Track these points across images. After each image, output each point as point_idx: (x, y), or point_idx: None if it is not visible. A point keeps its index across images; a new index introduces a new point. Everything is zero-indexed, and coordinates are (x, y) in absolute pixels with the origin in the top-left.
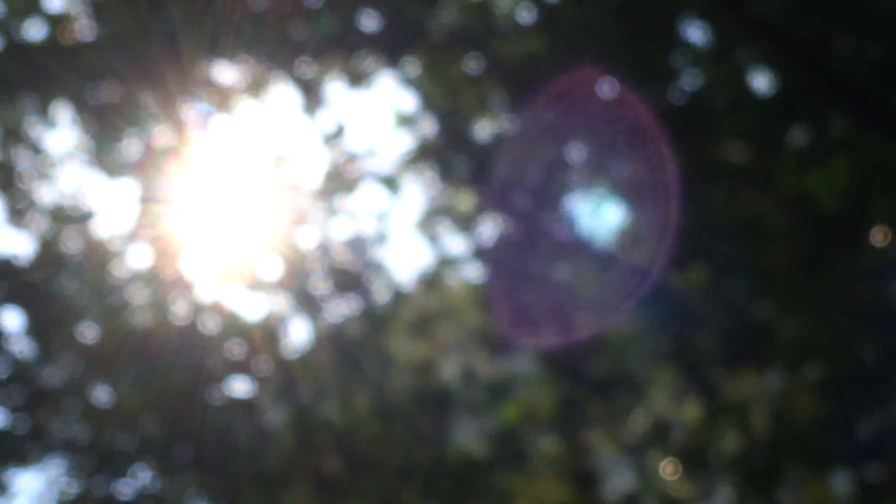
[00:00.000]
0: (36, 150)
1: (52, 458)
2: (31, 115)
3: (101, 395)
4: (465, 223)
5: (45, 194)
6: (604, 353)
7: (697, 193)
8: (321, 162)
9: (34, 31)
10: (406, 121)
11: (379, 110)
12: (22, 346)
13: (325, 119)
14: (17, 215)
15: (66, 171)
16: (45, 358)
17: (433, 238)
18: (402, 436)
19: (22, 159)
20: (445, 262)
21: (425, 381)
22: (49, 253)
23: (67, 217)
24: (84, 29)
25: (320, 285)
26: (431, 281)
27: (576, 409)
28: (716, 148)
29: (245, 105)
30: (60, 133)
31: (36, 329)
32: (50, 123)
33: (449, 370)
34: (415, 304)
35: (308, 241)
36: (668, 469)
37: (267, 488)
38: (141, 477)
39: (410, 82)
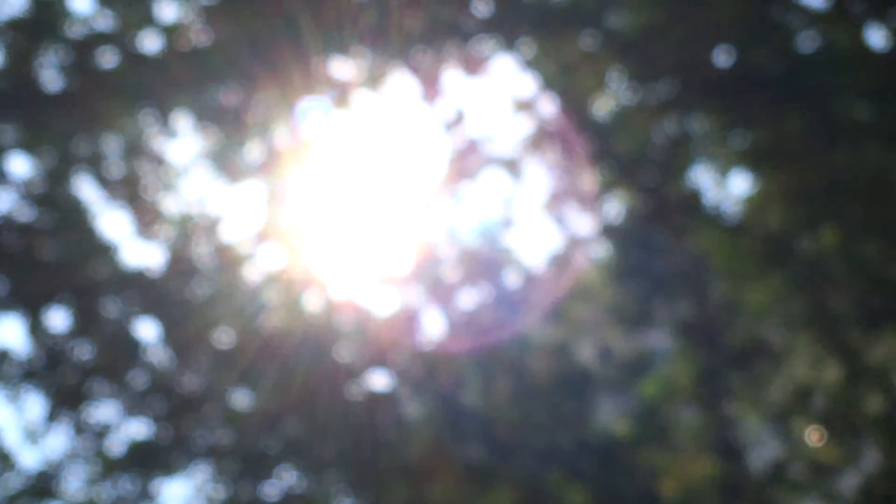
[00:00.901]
0: (159, 160)
1: (197, 465)
2: (151, 127)
3: (241, 398)
4: (591, 201)
5: (172, 204)
6: (740, 321)
7: (824, 154)
8: (444, 151)
9: (150, 42)
10: (525, 103)
11: (497, 94)
12: (160, 356)
13: (445, 107)
14: (146, 227)
15: (191, 180)
16: (184, 366)
17: (560, 219)
18: (543, 419)
19: (146, 171)
20: (574, 242)
21: (563, 363)
22: (180, 262)
23: (195, 225)
24: (198, 35)
25: (451, 274)
26: (562, 262)
27: (716, 380)
28: (840, 107)
29: (364, 99)
30: (182, 142)
31: (172, 338)
32: (171, 133)
33: (585, 350)
34: (547, 286)
35: (436, 230)
36: (813, 435)
37: (411, 480)
38: (286, 477)
39: (527, 64)
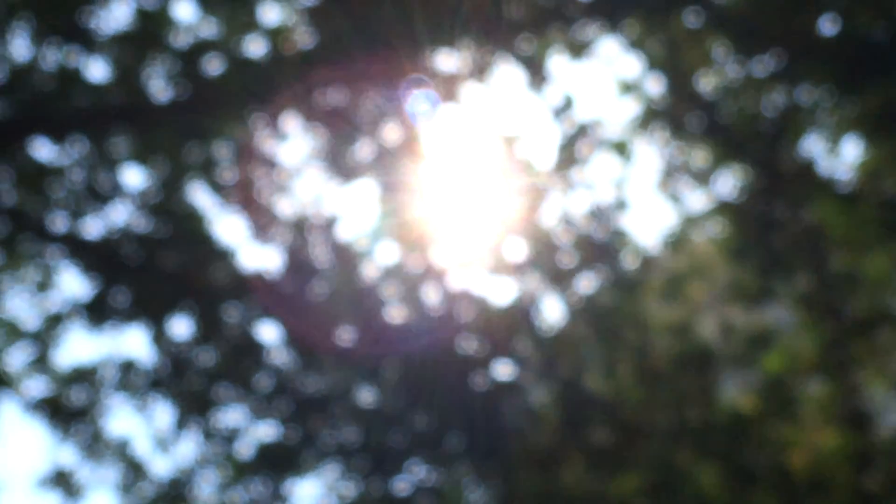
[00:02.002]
0: (271, 163)
1: (326, 464)
2: (261, 130)
3: (366, 395)
4: (704, 178)
5: (286, 206)
6: (861, 291)
7: None
8: (553, 136)
9: (255, 46)
10: (631, 84)
11: (603, 77)
12: (283, 358)
13: (552, 93)
14: (262, 230)
15: (304, 180)
16: (308, 366)
17: (674, 197)
18: (668, 399)
19: (258, 175)
20: (690, 220)
21: (684, 342)
22: (298, 262)
23: (311, 225)
24: (303, 37)
25: (568, 259)
26: (678, 240)
27: (840, 351)
28: None
29: (471, 90)
30: (293, 143)
31: (295, 339)
32: (281, 135)
33: (707, 328)
34: (664, 265)
35: (550, 217)
36: None
37: (540, 467)
38: (416, 472)
39: (632, 45)
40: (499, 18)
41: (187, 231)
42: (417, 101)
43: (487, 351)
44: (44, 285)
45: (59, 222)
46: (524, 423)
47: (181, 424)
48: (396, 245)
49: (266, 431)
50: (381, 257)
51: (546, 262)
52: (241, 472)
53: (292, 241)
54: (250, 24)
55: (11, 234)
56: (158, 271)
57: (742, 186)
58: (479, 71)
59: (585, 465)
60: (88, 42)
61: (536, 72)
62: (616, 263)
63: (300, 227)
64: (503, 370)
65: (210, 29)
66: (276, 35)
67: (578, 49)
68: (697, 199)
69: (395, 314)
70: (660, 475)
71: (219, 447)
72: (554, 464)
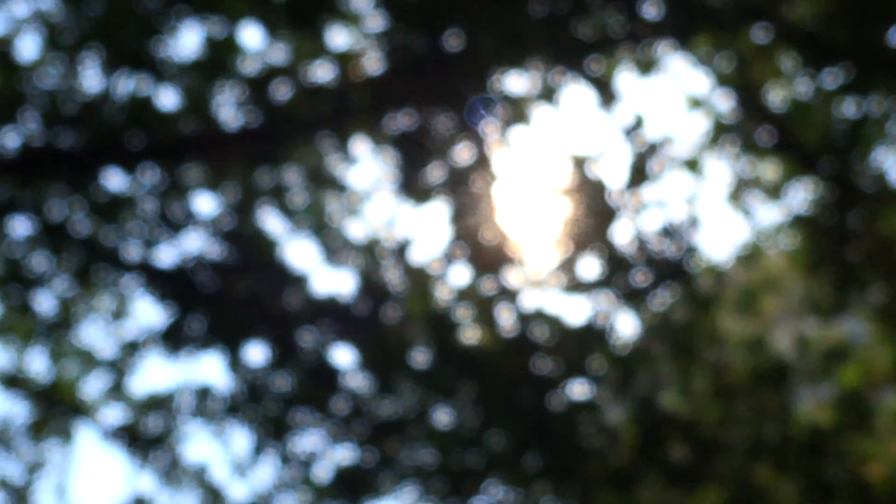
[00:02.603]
0: (341, 187)
1: (404, 486)
2: (331, 154)
3: (442, 417)
4: (775, 192)
5: (358, 229)
6: None
7: None
8: (624, 155)
9: (324, 71)
10: (700, 100)
11: (672, 94)
12: (359, 381)
13: (622, 112)
14: (334, 254)
15: (375, 204)
16: (383, 388)
17: (745, 212)
18: (745, 414)
19: (329, 199)
20: (762, 234)
21: (760, 357)
22: (371, 286)
23: (383, 248)
24: (373, 62)
25: (641, 277)
26: (750, 255)
27: None
28: None
29: (541, 110)
30: (363, 167)
31: (370, 362)
32: (351, 159)
33: (781, 342)
34: (737, 280)
35: (623, 235)
36: None
37: (618, 486)
38: (494, 492)
39: (700, 62)
40: (568, 39)
41: (260, 257)
42: (486, 121)
43: (562, 370)
44: (119, 314)
45: (133, 251)
46: (601, 442)
47: (258, 450)
48: (469, 266)
49: (343, 455)
50: (455, 279)
51: (619, 280)
52: (318, 495)
53: (365, 265)
54: (319, 50)
55: (86, 263)
56: (233, 298)
57: (814, 199)
58: (548, 91)
59: (664, 483)
60: (158, 71)
61: (606, 91)
62: (689, 280)
63: (372, 250)
64: (578, 389)
65: (279, 55)
66: (345, 60)
67: (647, 67)
68: (769, 213)
69: (470, 335)
70: (737, 492)
71: (296, 471)
72: (631, 482)
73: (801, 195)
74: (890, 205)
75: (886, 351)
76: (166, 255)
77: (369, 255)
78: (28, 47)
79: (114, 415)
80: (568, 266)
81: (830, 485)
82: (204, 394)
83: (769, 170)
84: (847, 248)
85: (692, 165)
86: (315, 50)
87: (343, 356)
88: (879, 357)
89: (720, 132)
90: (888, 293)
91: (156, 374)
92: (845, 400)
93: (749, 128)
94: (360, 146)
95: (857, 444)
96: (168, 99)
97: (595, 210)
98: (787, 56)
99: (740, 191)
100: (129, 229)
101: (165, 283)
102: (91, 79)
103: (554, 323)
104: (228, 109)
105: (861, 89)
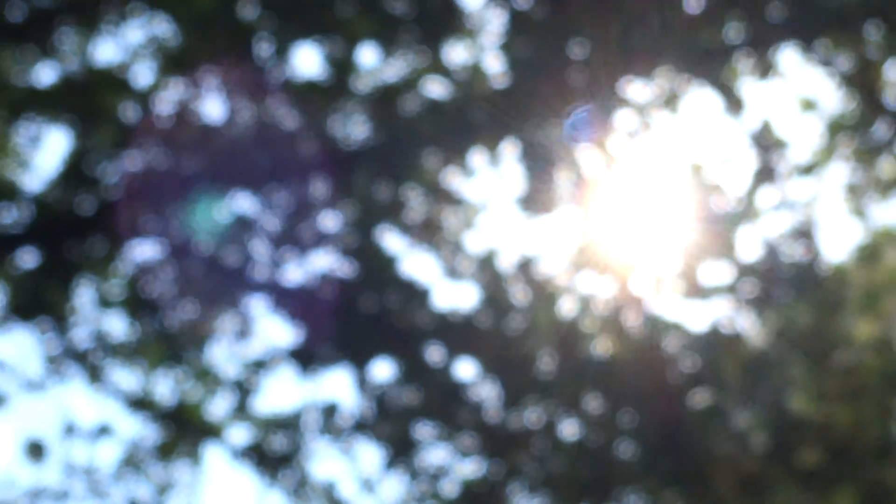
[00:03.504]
0: (460, 201)
1: (533, 498)
2: (452, 169)
3: (570, 427)
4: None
5: (479, 242)
6: None
7: None
8: (748, 160)
9: (445, 87)
10: (821, 102)
11: (792, 96)
12: (484, 394)
13: (748, 118)
14: (455, 268)
15: (498, 216)
16: (509, 401)
17: (864, 212)
18: (874, 416)
19: (448, 213)
20: (883, 233)
21: (886, 358)
22: (494, 299)
23: (506, 260)
24: (498, 77)
25: (767, 281)
26: (871, 254)
27: None
28: None
29: (664, 118)
30: (487, 181)
31: (495, 375)
32: (473, 173)
33: None
34: (858, 280)
35: (747, 239)
36: None
37: (749, 492)
38: (625, 501)
39: (823, 63)
40: (693, 45)
41: (383, 273)
42: (585, 134)
43: (691, 377)
44: (244, 333)
45: (260, 270)
46: (731, 447)
47: (386, 465)
48: (595, 276)
49: (470, 468)
50: (581, 289)
51: (745, 285)
52: None
53: (487, 277)
54: (440, 66)
55: (214, 284)
56: (359, 315)
57: None
58: (672, 98)
59: (796, 487)
60: (280, 92)
61: (731, 97)
62: (815, 282)
63: (494, 262)
64: (707, 396)
65: (400, 71)
66: (468, 74)
67: (769, 70)
68: (889, 212)
69: (599, 345)
70: (869, 494)
71: (425, 486)
72: (763, 488)
73: None
74: None
75: None
76: (293, 274)
77: (491, 268)
78: (145, 72)
79: (241, 434)
80: (694, 272)
81: None
82: (331, 411)
83: (887, 168)
84: None
85: (813, 168)
86: (437, 65)
87: (468, 369)
88: None
89: (839, 132)
90: None
91: (283, 392)
92: None
93: (867, 126)
94: (484, 160)
95: None
96: (290, 120)
97: (720, 215)
98: None
99: (859, 190)
100: (256, 249)
101: (292, 302)
102: (211, 102)
103: (681, 330)
104: (349, 127)
105: None
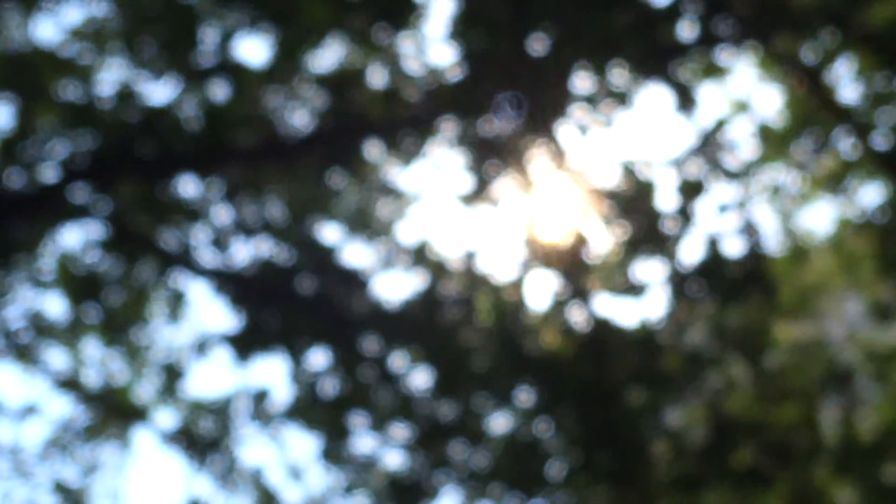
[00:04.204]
0: (404, 193)
1: (460, 490)
2: (399, 159)
3: (502, 421)
4: (836, 191)
5: (419, 234)
6: None
7: None
8: (699, 159)
9: (397, 77)
10: (769, 104)
11: (743, 98)
12: (417, 385)
13: (699, 116)
14: (394, 259)
15: (434, 208)
16: (442, 393)
17: (798, 214)
18: (803, 417)
19: (389, 204)
20: (819, 236)
21: (818, 359)
22: (431, 291)
23: (444, 253)
24: (453, 70)
25: (704, 280)
26: (805, 256)
27: None
28: None
29: (616, 114)
30: (434, 172)
31: (429, 366)
32: (421, 164)
33: (845, 345)
34: (792, 282)
35: (689, 239)
36: None
37: (682, 490)
38: (554, 496)
39: (778, 64)
40: (649, 43)
41: (323, 262)
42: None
43: (627, 374)
44: (177, 316)
45: (205, 256)
46: (666, 445)
47: (315, 453)
48: (534, 269)
49: (399, 458)
50: (520, 281)
51: (684, 283)
52: (374, 498)
53: (424, 269)
54: (395, 56)
55: (160, 268)
56: (297, 302)
57: (887, 201)
58: (623, 94)
59: (727, 487)
60: (230, 78)
61: (685, 96)
62: (753, 282)
63: (428, 253)
64: (643, 393)
65: (352, 61)
66: (423, 66)
67: (720, 71)
68: (829, 213)
69: (538, 339)
70: (798, 494)
71: (352, 475)
72: (696, 486)
73: (872, 196)
74: None
75: None
76: (237, 260)
77: (428, 259)
78: (92, 54)
79: (170, 418)
80: (632, 269)
81: (890, 487)
82: (262, 397)
83: (833, 169)
84: None
85: (755, 168)
86: (391, 56)
87: (402, 360)
88: None
89: (784, 133)
90: None
91: (216, 377)
92: None
93: (822, 128)
94: (434, 151)
95: None
96: (240, 106)
97: (661, 213)
98: (864, 57)
99: (797, 192)
100: (197, 234)
101: (234, 287)
102: (164, 87)
103: (619, 327)
104: (297, 116)
105: None
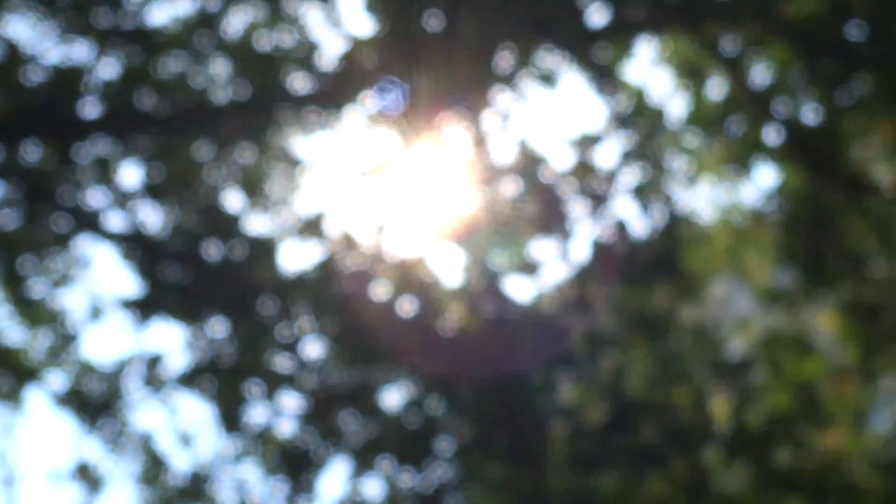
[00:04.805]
0: (300, 163)
1: (352, 460)
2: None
3: (398, 395)
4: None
5: (320, 206)
6: None
7: None
8: (615, 145)
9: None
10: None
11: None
12: (315, 354)
13: (617, 101)
14: (296, 230)
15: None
16: (338, 362)
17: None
18: (697, 402)
19: (291, 175)
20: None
21: (710, 346)
22: (331, 262)
23: (344, 226)
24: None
25: (605, 260)
26: (701, 240)
27: (879, 357)
28: None
29: (538, 94)
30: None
31: (327, 336)
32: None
33: (735, 332)
34: (693, 261)
35: (610, 227)
36: None
37: (578, 469)
38: (442, 471)
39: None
40: (572, 25)
41: (229, 230)
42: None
43: (530, 351)
44: (71, 278)
45: (113, 220)
46: (562, 424)
47: (208, 421)
48: (440, 245)
49: (292, 427)
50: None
51: (588, 264)
52: (265, 467)
53: (324, 242)
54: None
55: (69, 230)
56: (200, 268)
57: (791, 189)
58: (548, 76)
59: (622, 468)
60: (150, 44)
61: (606, 79)
62: (657, 264)
63: (320, 226)
64: (542, 371)
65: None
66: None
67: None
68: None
69: (440, 314)
70: (690, 478)
71: (245, 443)
72: (592, 465)
73: (777, 183)
74: (861, 200)
75: (850, 345)
76: (145, 225)
77: (331, 232)
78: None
79: (63, 380)
80: (534, 249)
81: (782, 474)
82: (155, 362)
83: (733, 154)
84: (820, 241)
85: (668, 153)
86: (301, 26)
87: (302, 328)
88: (843, 351)
89: (706, 119)
90: (855, 288)
91: (116, 340)
92: (803, 391)
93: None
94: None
95: (812, 436)
96: (159, 71)
97: (567, 193)
98: (781, 49)
99: (698, 176)
100: (105, 197)
101: (134, 251)
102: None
103: (522, 306)
104: (220, 84)
105: (845, 84)
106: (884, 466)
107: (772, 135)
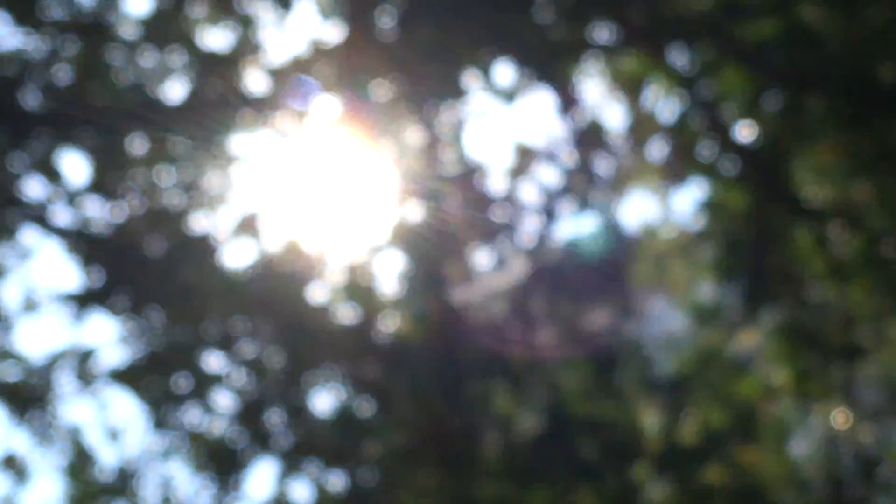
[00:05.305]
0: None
1: (279, 462)
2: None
3: (329, 398)
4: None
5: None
6: (839, 319)
7: None
8: (569, 159)
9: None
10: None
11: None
12: (246, 354)
13: (578, 117)
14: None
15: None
16: (265, 363)
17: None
18: (633, 418)
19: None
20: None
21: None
22: (267, 261)
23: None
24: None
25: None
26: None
27: (815, 379)
28: None
29: (492, 106)
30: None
31: (257, 336)
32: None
33: (666, 348)
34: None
35: (559, 244)
36: None
37: (510, 481)
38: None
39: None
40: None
41: (170, 227)
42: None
43: (471, 362)
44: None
45: (60, 215)
46: (497, 435)
47: (138, 417)
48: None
49: (221, 427)
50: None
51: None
52: (192, 466)
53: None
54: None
55: (13, 223)
56: (140, 264)
57: (734, 207)
58: (510, 91)
59: (556, 480)
60: (107, 38)
61: (566, 95)
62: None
63: (256, 225)
64: (482, 381)
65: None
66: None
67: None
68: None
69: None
70: (619, 493)
71: (174, 440)
72: (524, 477)
73: (710, 199)
74: (802, 220)
75: (787, 367)
76: (90, 221)
77: (259, 231)
78: None
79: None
80: (478, 258)
81: (702, 488)
82: (91, 356)
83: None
84: (760, 260)
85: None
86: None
87: (236, 328)
88: (781, 372)
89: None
90: (791, 309)
91: (52, 333)
92: (738, 411)
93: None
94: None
95: (741, 455)
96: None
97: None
98: (736, 72)
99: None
100: (61, 192)
101: (79, 246)
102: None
103: (457, 314)
104: (175, 82)
105: (796, 106)
106: (801, 485)
107: (712, 152)
